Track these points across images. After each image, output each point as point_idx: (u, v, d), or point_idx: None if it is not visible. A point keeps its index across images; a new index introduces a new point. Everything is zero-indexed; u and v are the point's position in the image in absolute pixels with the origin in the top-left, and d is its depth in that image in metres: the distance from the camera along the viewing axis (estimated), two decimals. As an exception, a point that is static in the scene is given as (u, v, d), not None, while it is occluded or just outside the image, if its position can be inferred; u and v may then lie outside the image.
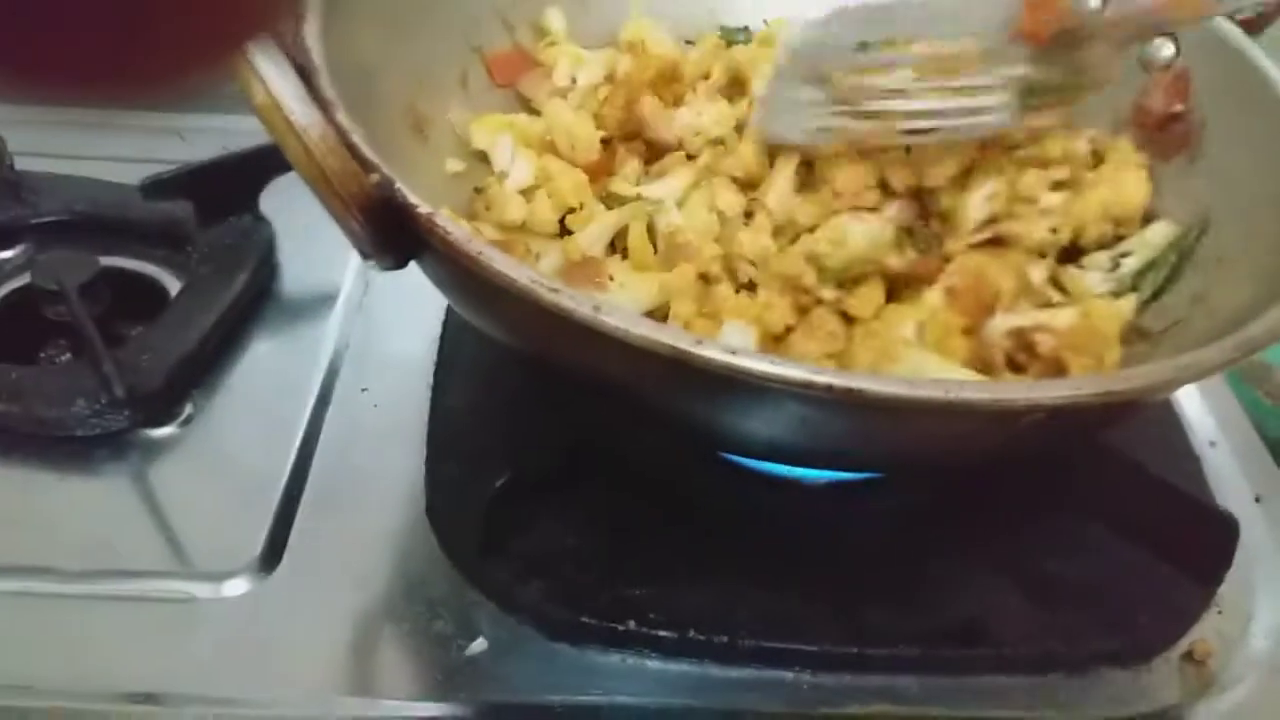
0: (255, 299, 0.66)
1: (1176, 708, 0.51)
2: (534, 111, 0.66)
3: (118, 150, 0.75)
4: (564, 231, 0.60)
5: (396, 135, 0.57)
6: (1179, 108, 0.59)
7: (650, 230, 0.57)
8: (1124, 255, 0.58)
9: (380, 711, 0.48)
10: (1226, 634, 0.54)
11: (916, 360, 0.49)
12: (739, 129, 0.63)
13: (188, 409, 0.60)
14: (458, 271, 0.42)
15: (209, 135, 0.75)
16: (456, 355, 0.62)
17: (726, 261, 0.55)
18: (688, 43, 0.71)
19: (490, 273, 0.40)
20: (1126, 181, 0.58)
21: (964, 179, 0.56)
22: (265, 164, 0.66)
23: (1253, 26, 0.57)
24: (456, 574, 0.52)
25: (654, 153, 0.63)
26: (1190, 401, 0.65)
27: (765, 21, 0.72)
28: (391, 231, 0.43)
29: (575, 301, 0.39)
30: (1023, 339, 0.52)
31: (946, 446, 0.46)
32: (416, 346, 0.64)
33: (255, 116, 0.40)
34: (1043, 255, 0.56)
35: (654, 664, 0.50)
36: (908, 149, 0.58)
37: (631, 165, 0.62)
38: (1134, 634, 0.52)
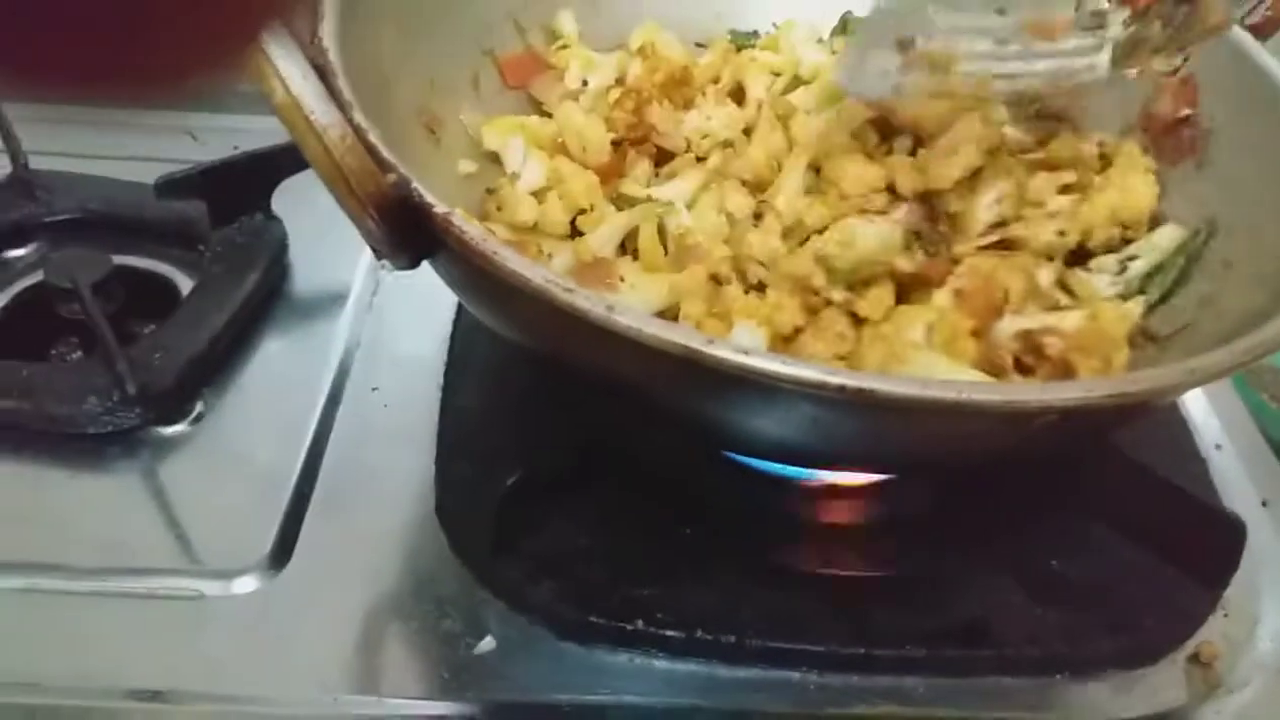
0: (267, 298, 0.66)
1: (1182, 710, 0.51)
2: (545, 114, 0.66)
3: (131, 149, 0.76)
4: (575, 233, 0.60)
5: (409, 136, 0.57)
6: (1187, 112, 0.60)
7: (660, 232, 0.58)
8: (1131, 259, 0.58)
9: (388, 709, 0.48)
10: (1232, 637, 0.54)
11: (925, 362, 0.49)
12: (747, 132, 0.63)
13: (199, 407, 0.60)
14: (472, 271, 0.43)
15: (221, 135, 0.76)
16: (467, 355, 0.63)
17: (736, 262, 0.55)
18: (698, 45, 0.71)
19: (505, 272, 0.40)
20: (1134, 185, 0.58)
21: (973, 182, 0.56)
22: (277, 164, 0.66)
23: (1261, 31, 0.57)
24: (465, 573, 0.53)
25: (664, 155, 0.64)
26: (1196, 404, 0.65)
27: (774, 25, 0.72)
28: (407, 231, 0.43)
29: (589, 301, 0.39)
30: (1031, 341, 0.52)
31: (956, 447, 0.46)
32: (427, 346, 0.64)
33: (273, 115, 0.41)
34: (1051, 258, 0.56)
35: (661, 664, 0.50)
36: (914, 152, 0.58)
37: (642, 167, 0.63)
38: (1140, 636, 0.52)
